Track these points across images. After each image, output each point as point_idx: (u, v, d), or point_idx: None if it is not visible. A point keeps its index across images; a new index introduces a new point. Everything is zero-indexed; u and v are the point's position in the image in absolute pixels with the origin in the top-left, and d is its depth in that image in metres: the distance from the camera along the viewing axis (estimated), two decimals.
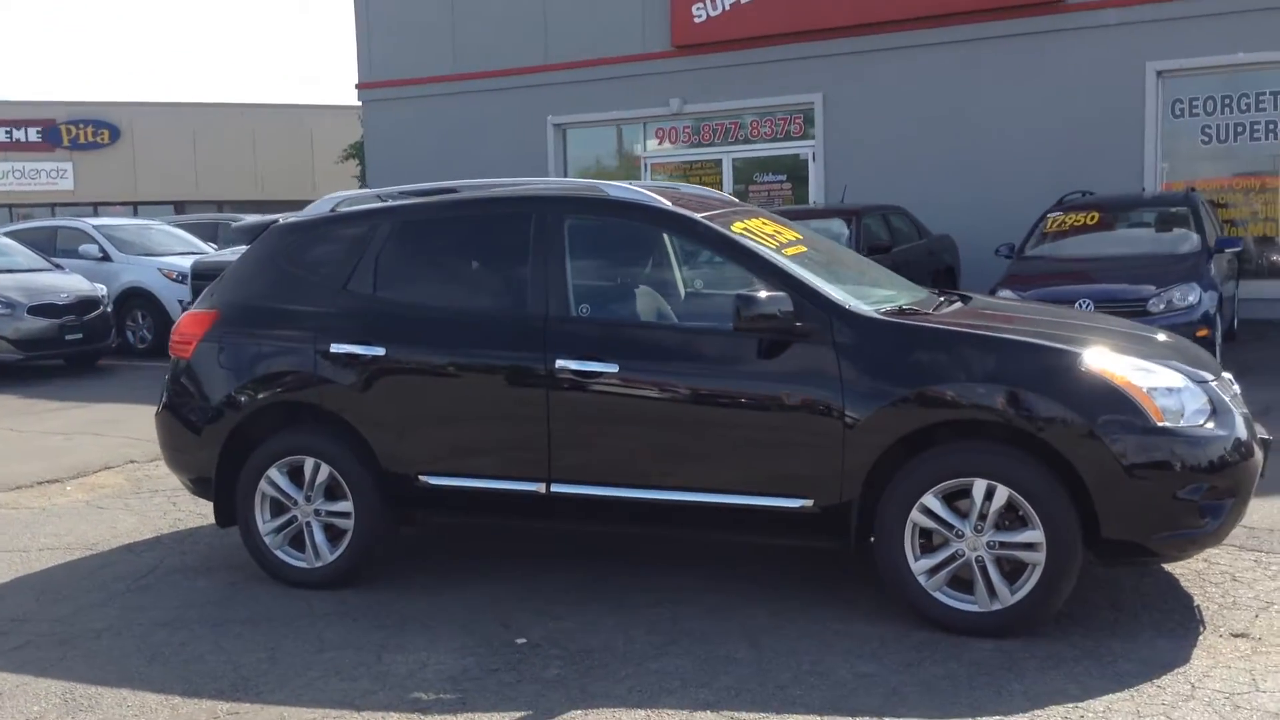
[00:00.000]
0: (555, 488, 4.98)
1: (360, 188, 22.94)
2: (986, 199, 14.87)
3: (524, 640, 4.66)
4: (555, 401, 4.92)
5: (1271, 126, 14.03)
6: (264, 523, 5.43)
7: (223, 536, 6.28)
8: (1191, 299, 9.51)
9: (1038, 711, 3.85)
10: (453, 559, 5.71)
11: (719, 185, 16.57)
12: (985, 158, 15.23)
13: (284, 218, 5.80)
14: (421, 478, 5.18)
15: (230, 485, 5.51)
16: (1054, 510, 4.34)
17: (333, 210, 5.68)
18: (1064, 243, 11.25)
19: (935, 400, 4.46)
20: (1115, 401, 4.33)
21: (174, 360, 5.71)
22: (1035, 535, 4.37)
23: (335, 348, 5.25)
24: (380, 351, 5.19)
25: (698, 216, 5.04)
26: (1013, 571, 4.47)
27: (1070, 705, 3.89)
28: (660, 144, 17.66)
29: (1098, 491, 4.30)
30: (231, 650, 4.67)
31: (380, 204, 5.69)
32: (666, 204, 5.10)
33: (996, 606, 4.46)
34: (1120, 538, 4.35)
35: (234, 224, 5.51)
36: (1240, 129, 14.20)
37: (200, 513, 6.82)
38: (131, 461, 8.36)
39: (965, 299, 5.46)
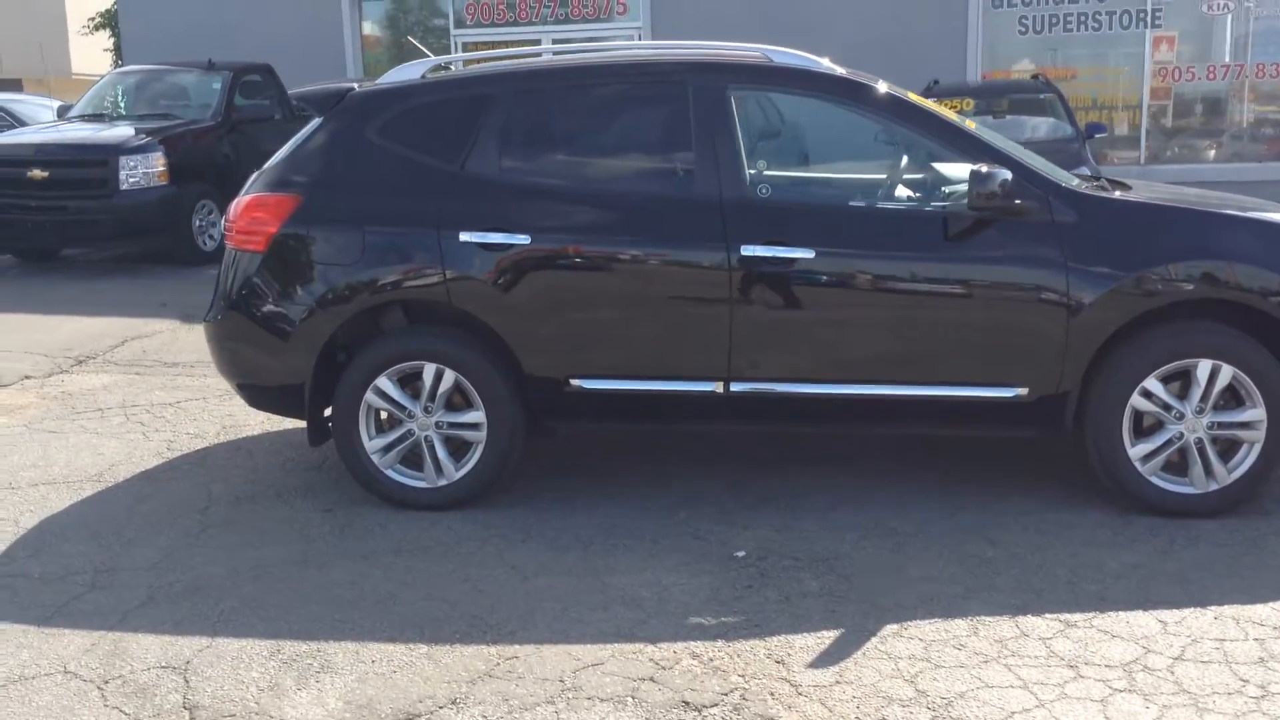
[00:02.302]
0: (735, 386, 4.57)
1: (116, 63, 20.58)
2: None
3: (742, 553, 4.27)
4: (739, 292, 4.48)
5: (1084, 18, 14.79)
6: (369, 439, 4.71)
7: (252, 456, 5.50)
8: None
9: None
10: (545, 474, 5.12)
11: None
12: (816, 45, 15.24)
13: (360, 84, 4.95)
14: (573, 382, 4.62)
15: (321, 397, 4.74)
16: (1277, 386, 4.36)
17: (423, 77, 4.89)
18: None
19: (1164, 280, 4.36)
20: None
21: (236, 254, 4.81)
22: (1256, 413, 4.39)
23: (467, 236, 4.56)
24: (524, 240, 4.54)
25: (883, 87, 4.66)
26: (1225, 451, 4.48)
27: None
28: (471, 20, 16.65)
29: None
30: (419, 585, 4.04)
31: (486, 69, 4.94)
32: (843, 72, 4.69)
33: (1213, 487, 4.47)
34: None
35: (292, 92, 4.59)
36: (1055, 20, 14.90)
37: (192, 432, 5.91)
38: (27, 377, 7.12)
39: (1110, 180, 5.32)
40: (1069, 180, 4.55)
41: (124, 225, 11.01)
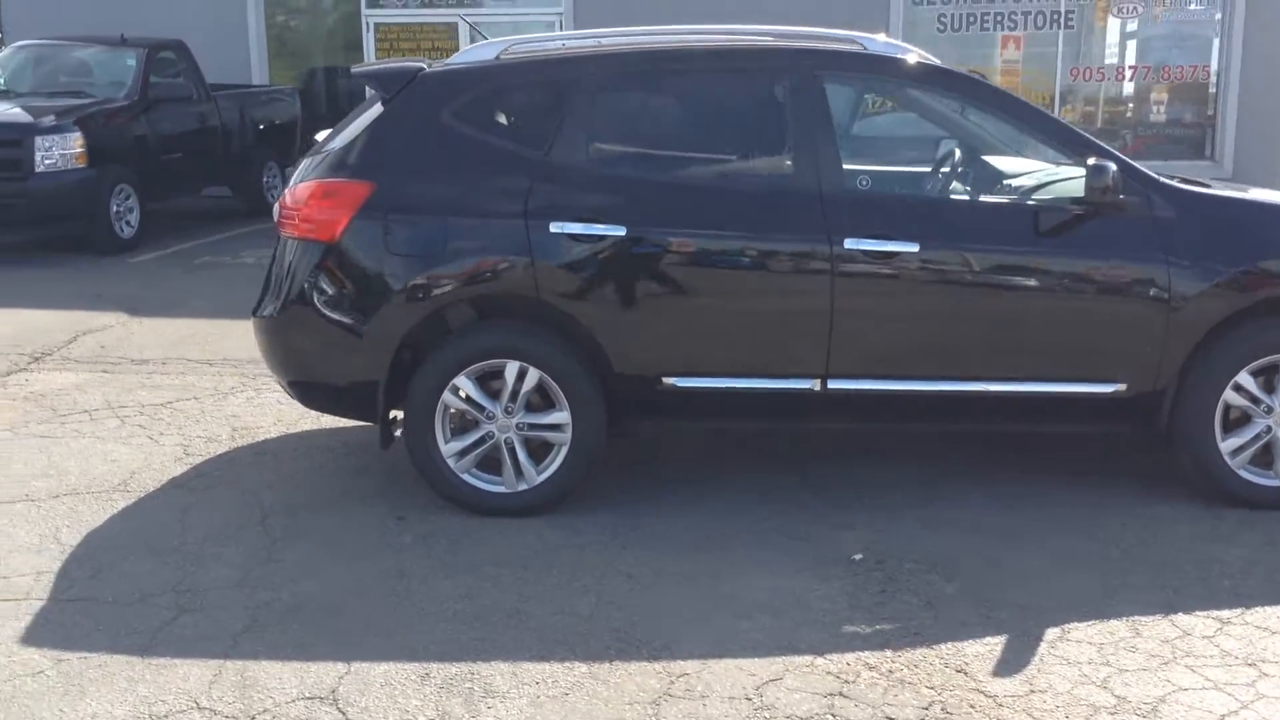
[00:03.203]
0: (833, 384, 4.44)
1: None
2: None
3: (860, 556, 4.16)
4: (840, 287, 4.35)
5: (1000, 17, 15.11)
6: (445, 442, 4.43)
7: (280, 460, 5.16)
8: None
9: None
10: (610, 476, 4.87)
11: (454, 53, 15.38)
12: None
13: (429, 65, 4.64)
14: (666, 380, 4.43)
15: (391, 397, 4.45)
16: None
17: (498, 58, 4.61)
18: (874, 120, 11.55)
19: (1262, 276, 4.40)
20: None
21: (298, 243, 4.47)
22: None
23: (557, 227, 4.32)
24: (620, 232, 4.32)
25: (980, 78, 4.59)
26: None
27: None
28: (382, 3, 16.09)
29: None
30: (540, 599, 3.81)
31: (568, 51, 4.69)
32: (938, 62, 4.61)
33: None
34: None
35: (355, 69, 4.24)
36: (973, 19, 15.18)
37: (204, 436, 5.51)
38: None
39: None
40: (1165, 177, 4.55)
41: (39, 210, 10.27)
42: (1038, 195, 4.56)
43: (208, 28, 14.85)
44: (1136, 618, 3.68)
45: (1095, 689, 3.26)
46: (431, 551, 4.20)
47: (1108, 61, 15.32)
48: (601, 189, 4.40)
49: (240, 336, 7.41)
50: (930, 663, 3.41)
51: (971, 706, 3.18)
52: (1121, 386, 4.45)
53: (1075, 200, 4.41)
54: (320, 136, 5.08)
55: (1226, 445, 4.51)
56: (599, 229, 4.32)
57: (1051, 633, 3.59)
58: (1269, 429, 4.50)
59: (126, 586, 3.91)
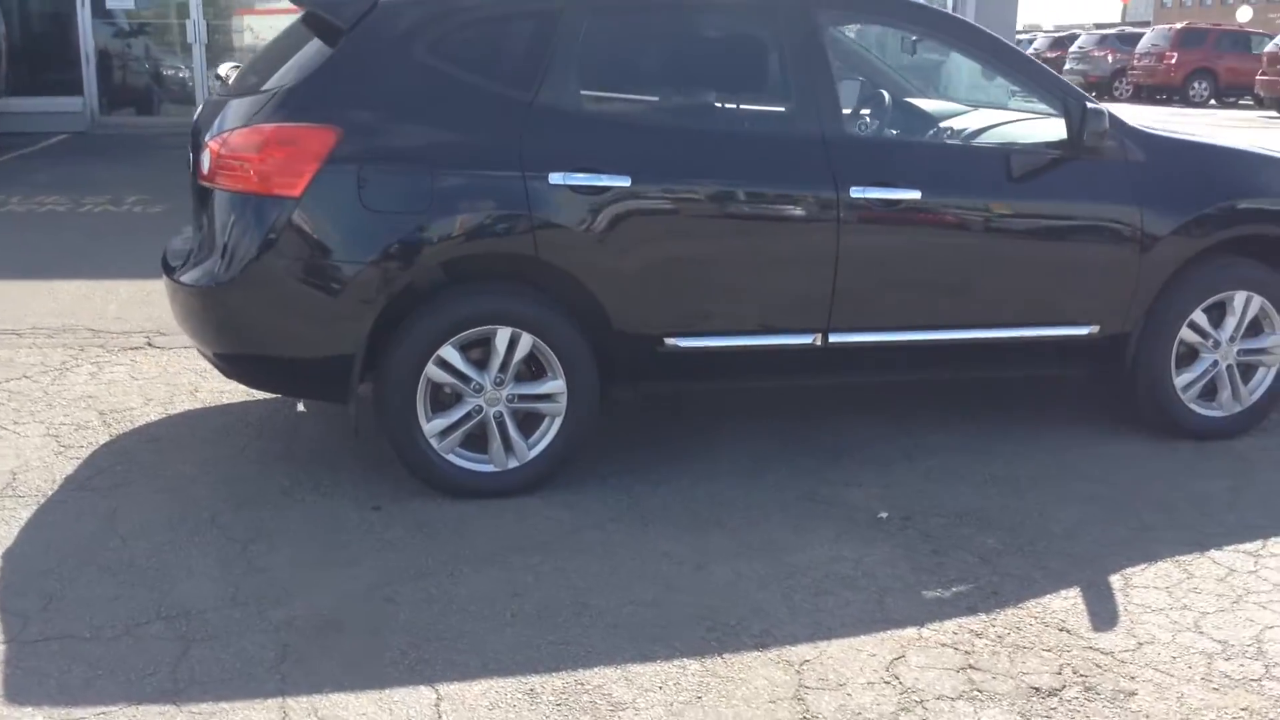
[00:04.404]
0: (834, 338, 4.29)
1: None
2: None
3: (885, 514, 4.05)
4: (845, 237, 4.18)
5: None
6: (427, 421, 3.97)
7: (184, 449, 4.51)
8: None
9: None
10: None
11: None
12: None
13: None
14: (668, 340, 4.13)
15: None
16: None
17: None
18: None
19: (1224, 216, 4.57)
20: None
21: (246, 199, 3.82)
22: (1275, 340, 4.74)
23: (558, 178, 3.91)
24: (624, 182, 3.96)
25: (972, 21, 4.49)
26: (1244, 374, 4.80)
27: None
28: None
29: None
30: (599, 590, 3.47)
31: None
32: (931, 5, 4.48)
33: (1236, 410, 4.78)
34: None
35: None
36: None
37: (70, 423, 4.73)
38: None
39: None
40: (1135, 121, 4.64)
41: None
42: (1010, 139, 4.55)
43: None
44: (1177, 558, 3.75)
45: (1194, 635, 3.29)
46: (433, 543, 3.75)
47: None
48: (599, 136, 4.01)
49: (46, 297, 6.48)
50: (1029, 624, 3.34)
51: (1098, 666, 3.13)
52: (1095, 329, 4.54)
53: (1053, 144, 4.42)
54: (224, 72, 4.38)
55: (1180, 381, 4.69)
56: (603, 179, 3.93)
57: (1114, 580, 3.60)
58: (1214, 363, 4.71)
59: (98, 615, 3.26)
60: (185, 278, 3.99)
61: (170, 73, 14.97)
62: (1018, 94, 5.06)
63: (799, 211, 4.16)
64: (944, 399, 5.16)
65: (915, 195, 4.21)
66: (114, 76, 14.68)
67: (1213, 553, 3.79)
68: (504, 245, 3.90)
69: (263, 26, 13.82)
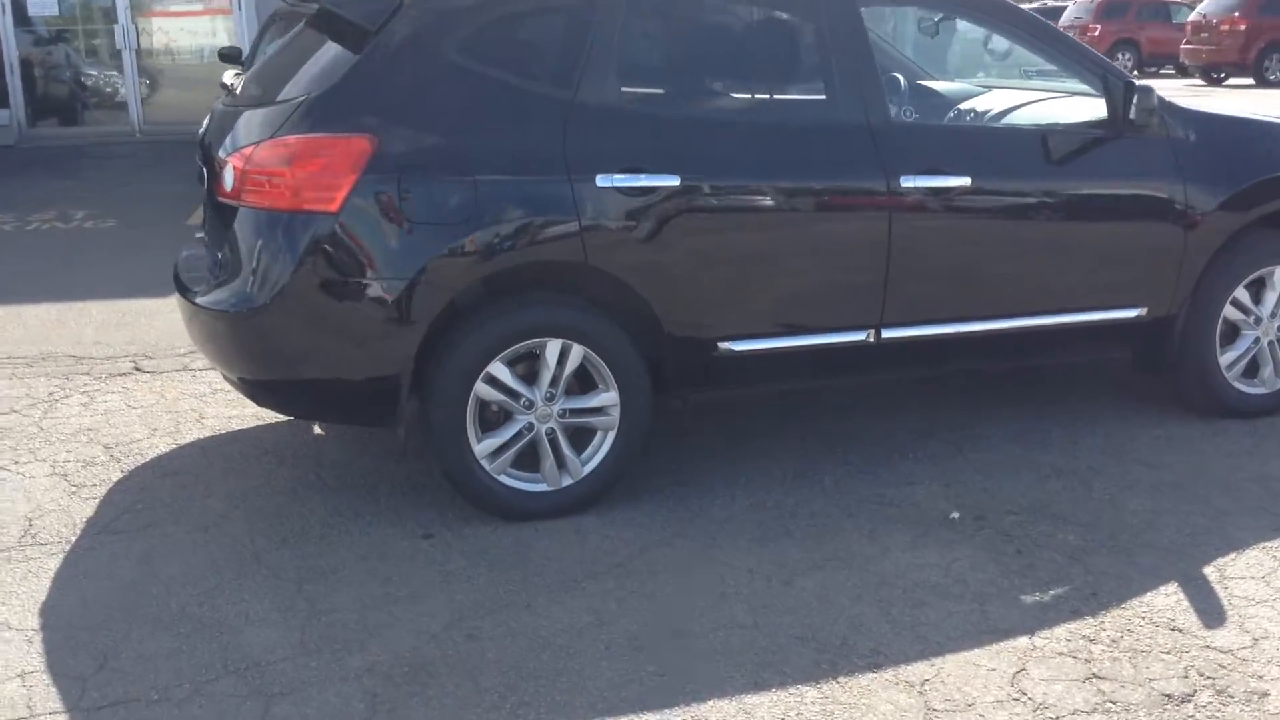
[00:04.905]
0: (886, 333, 4.15)
1: None
2: None
3: (956, 515, 3.92)
4: (898, 228, 4.04)
5: None
6: (478, 441, 3.76)
7: (202, 480, 4.26)
8: None
9: None
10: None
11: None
12: None
13: None
14: (722, 345, 3.96)
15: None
16: None
17: None
18: None
19: (1265, 190, 4.50)
20: None
21: (277, 216, 3.57)
22: None
23: (605, 180, 3.71)
24: (674, 181, 3.78)
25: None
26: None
27: None
28: None
29: None
30: (687, 615, 3.29)
31: None
32: None
33: (1278, 386, 4.73)
34: None
35: None
36: None
37: (76, 459, 4.45)
38: None
39: None
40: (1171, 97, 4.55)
41: None
42: (1048, 120, 4.45)
43: None
44: (1263, 545, 3.67)
45: None
46: (501, 573, 3.54)
47: None
48: (644, 135, 3.82)
49: (14, 324, 6.15)
50: (1139, 625, 3.23)
51: (1221, 667, 3.03)
52: (1143, 311, 4.45)
53: (1095, 123, 4.32)
54: (230, 80, 4.11)
55: (1224, 359, 4.62)
56: (652, 179, 3.74)
57: (1209, 572, 3.51)
58: (1257, 340, 4.65)
59: (161, 674, 3.01)
60: (208, 300, 3.74)
61: (99, 80, 14.42)
62: (1031, 72, 4.97)
63: (849, 204, 4.01)
64: (974, 387, 5.05)
65: (965, 182, 4.08)
66: (40, 86, 14.12)
67: None
68: (554, 252, 3.70)
69: (199, 29, 13.35)
